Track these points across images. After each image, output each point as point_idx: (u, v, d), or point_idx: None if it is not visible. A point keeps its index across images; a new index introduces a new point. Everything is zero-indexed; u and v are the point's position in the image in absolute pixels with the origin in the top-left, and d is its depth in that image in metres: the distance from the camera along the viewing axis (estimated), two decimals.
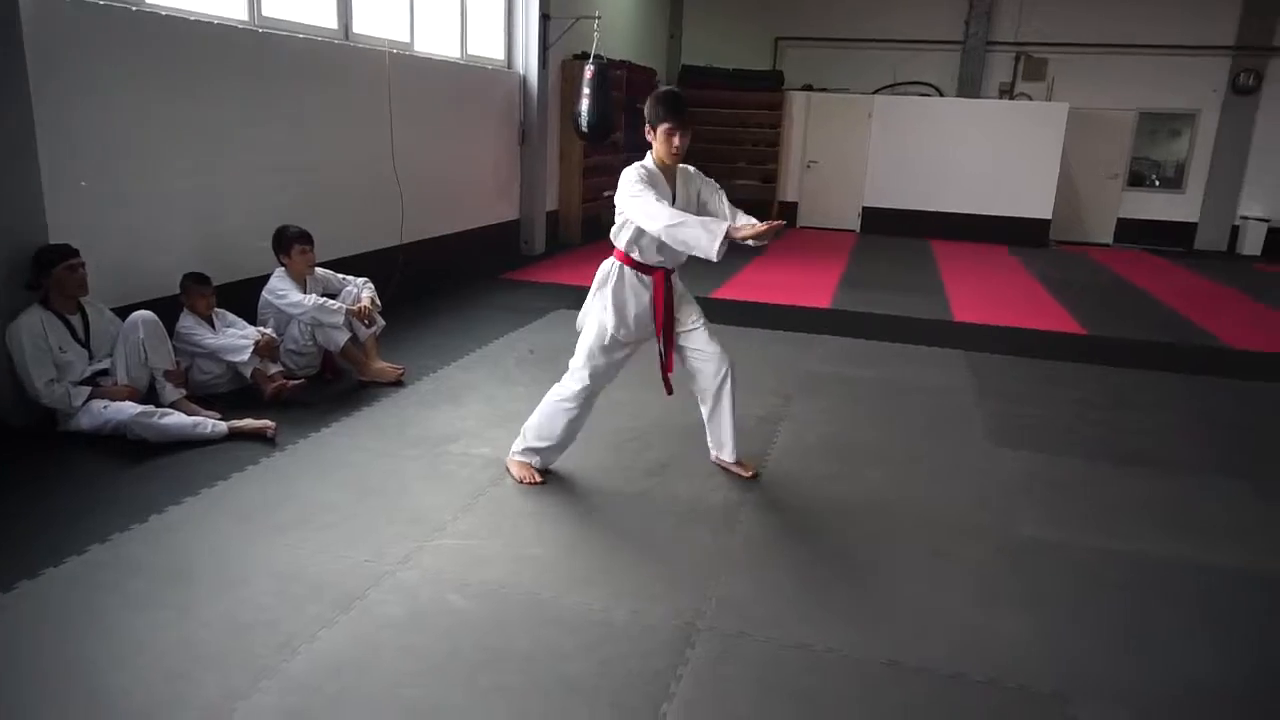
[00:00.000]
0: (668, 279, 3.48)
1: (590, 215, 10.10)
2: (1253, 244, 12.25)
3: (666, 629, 2.58)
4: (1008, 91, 12.63)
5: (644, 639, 2.53)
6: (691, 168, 3.52)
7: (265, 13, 5.24)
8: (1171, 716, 2.33)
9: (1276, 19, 11.77)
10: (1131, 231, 12.64)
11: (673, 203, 3.31)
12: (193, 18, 4.69)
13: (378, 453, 3.78)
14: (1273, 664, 2.58)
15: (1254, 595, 2.97)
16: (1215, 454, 4.29)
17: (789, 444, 4.13)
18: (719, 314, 6.72)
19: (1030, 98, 12.45)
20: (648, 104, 3.36)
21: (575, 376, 3.52)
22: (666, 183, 3.38)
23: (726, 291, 7.65)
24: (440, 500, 3.35)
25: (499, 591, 2.74)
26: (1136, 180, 12.88)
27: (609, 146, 10.05)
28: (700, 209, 3.43)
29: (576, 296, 6.95)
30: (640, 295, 3.45)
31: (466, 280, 7.33)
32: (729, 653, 2.49)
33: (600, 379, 3.53)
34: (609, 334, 3.45)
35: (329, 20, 5.91)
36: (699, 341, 3.60)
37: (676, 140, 3.30)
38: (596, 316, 3.49)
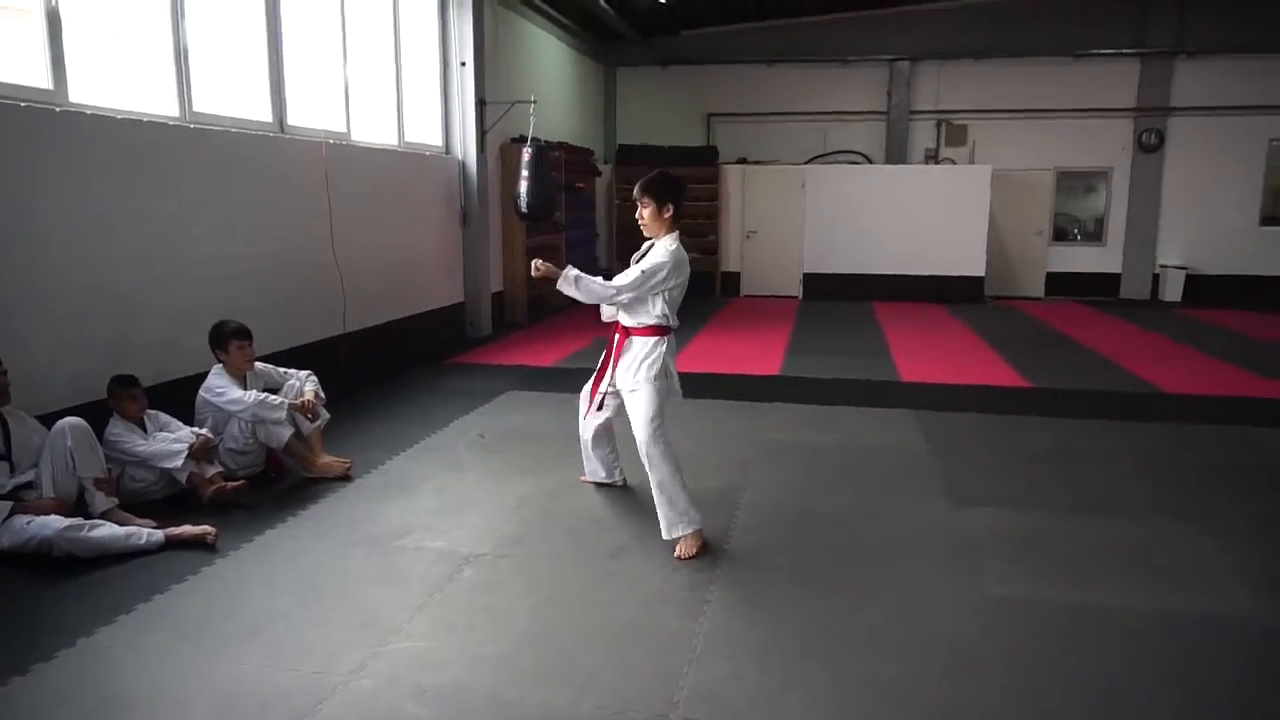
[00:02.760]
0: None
1: (535, 295, 10.10)
2: (1173, 291, 12.77)
3: None
4: (932, 157, 13.15)
5: None
6: (659, 248, 3.74)
7: (196, 108, 5.19)
8: None
9: (1171, 82, 12.54)
10: (1060, 284, 13.09)
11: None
12: (120, 116, 4.62)
13: (326, 553, 3.62)
14: (1246, 711, 2.55)
15: (1218, 641, 2.96)
16: (1163, 498, 4.35)
17: (750, 517, 4.07)
18: None
19: (954, 161, 12.97)
20: None
21: (656, 435, 3.67)
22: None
23: (678, 364, 7.63)
24: (393, 600, 3.20)
25: (458, 696, 2.60)
26: (1060, 235, 13.41)
27: (550, 227, 10.13)
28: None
29: (525, 377, 6.96)
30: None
31: (413, 366, 7.21)
32: None
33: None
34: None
35: (263, 113, 5.89)
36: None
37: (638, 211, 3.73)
38: (652, 391, 3.70)
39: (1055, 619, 3.10)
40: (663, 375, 3.71)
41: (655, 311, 3.68)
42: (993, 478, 4.64)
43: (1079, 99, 12.66)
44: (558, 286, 3.69)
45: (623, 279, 3.65)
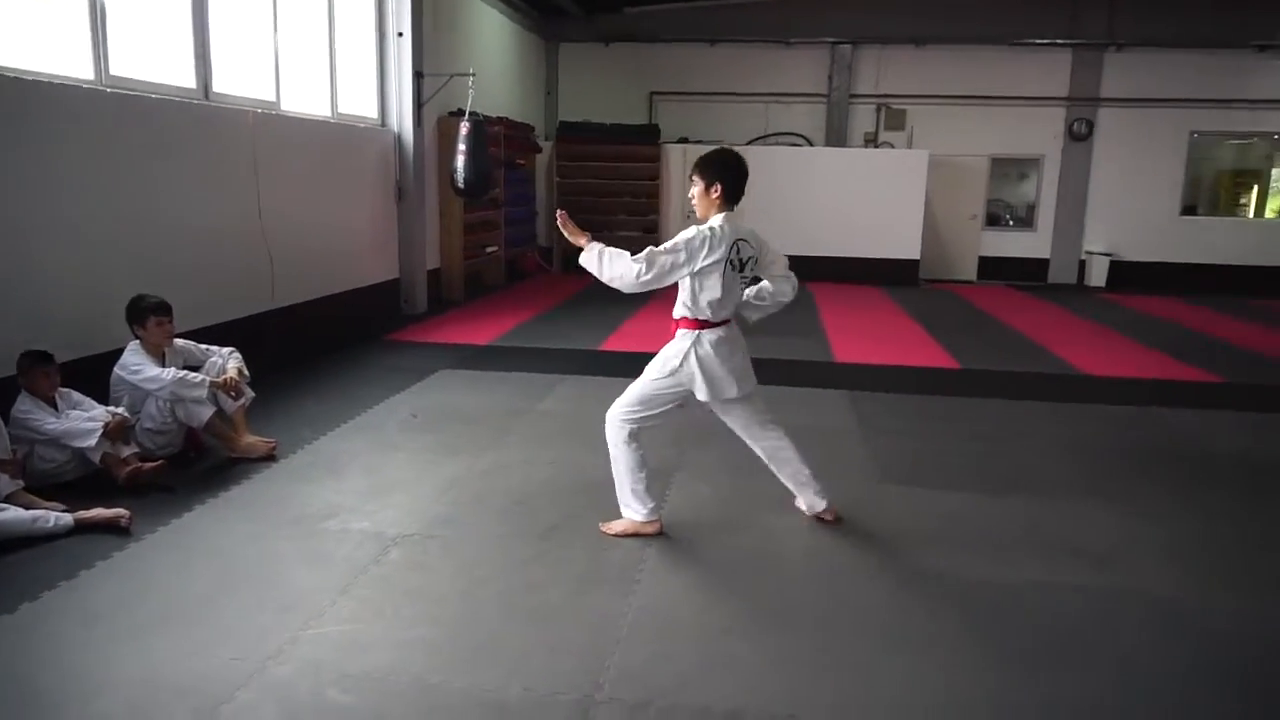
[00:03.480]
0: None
1: (473, 272, 9.96)
2: (1098, 276, 13.21)
3: (563, 705, 2.46)
4: (872, 140, 13.31)
5: (540, 717, 2.40)
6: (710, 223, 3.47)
7: (114, 72, 4.96)
8: None
9: (1101, 73, 12.89)
10: (993, 268, 13.41)
11: None
12: (29, 78, 4.39)
13: (248, 535, 3.52)
14: (1154, 682, 2.66)
15: (1130, 613, 3.08)
16: (1081, 477, 4.50)
17: (683, 497, 4.09)
18: (604, 366, 6.72)
19: (893, 146, 13.15)
20: None
21: (622, 426, 3.56)
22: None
23: (612, 343, 7.64)
24: (317, 583, 3.13)
25: (383, 681, 2.56)
26: (993, 220, 13.74)
27: (489, 203, 9.98)
28: None
29: (461, 355, 6.87)
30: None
31: (345, 344, 7.05)
32: None
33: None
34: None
35: (187, 80, 5.65)
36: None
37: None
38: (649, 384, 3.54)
39: (975, 595, 3.18)
40: (680, 374, 3.47)
41: (682, 298, 3.44)
42: (920, 457, 4.74)
43: (1014, 87, 12.94)
44: (580, 260, 3.43)
45: (641, 260, 3.32)
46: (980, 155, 13.19)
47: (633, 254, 3.34)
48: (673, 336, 3.53)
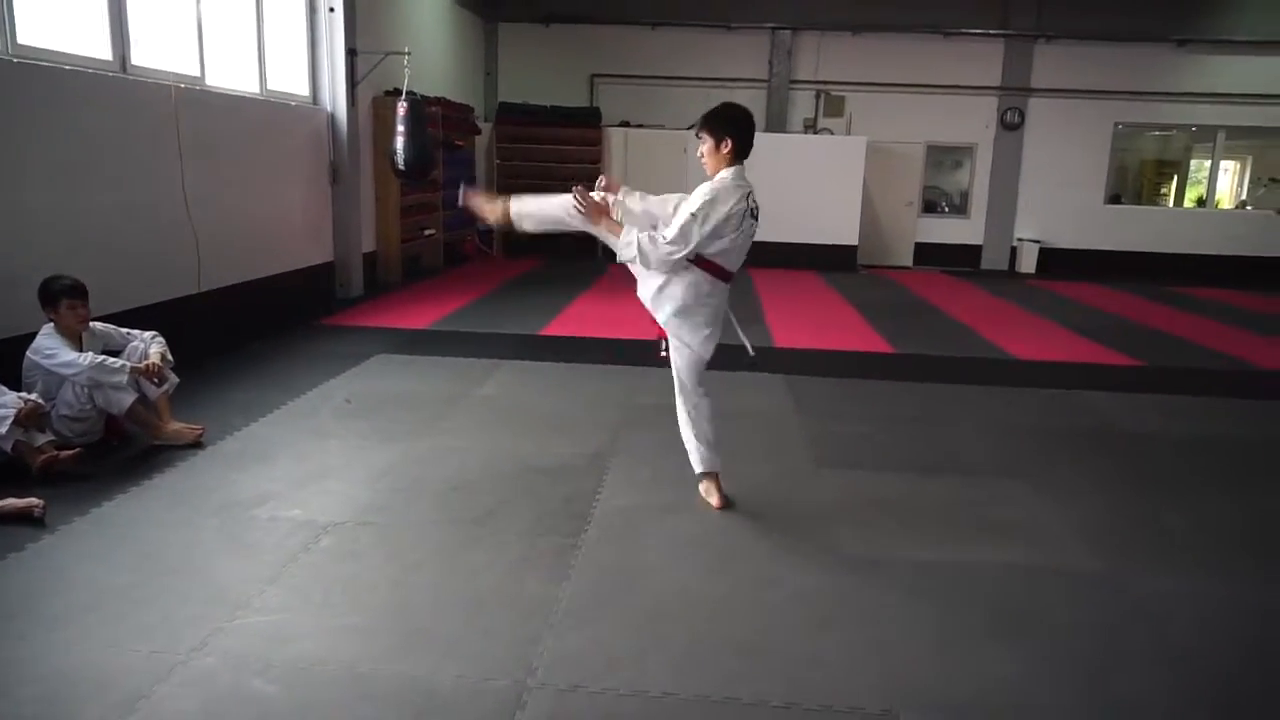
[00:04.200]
0: None
1: (411, 255, 9.79)
2: (1027, 263, 13.59)
3: (495, 691, 2.44)
4: (811, 126, 13.44)
5: (471, 705, 2.38)
6: (704, 187, 3.48)
7: (21, 40, 4.71)
8: (987, 717, 2.43)
9: (1032, 64, 13.22)
10: (928, 254, 13.70)
11: None
12: None
13: (171, 525, 3.41)
14: (1070, 656, 2.76)
15: (1045, 591, 3.18)
16: (1007, 459, 4.63)
17: (621, 480, 4.09)
18: (547, 351, 6.68)
19: (832, 132, 13.30)
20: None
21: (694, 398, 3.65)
22: None
23: (554, 328, 7.59)
24: (244, 573, 3.05)
25: (310, 670, 2.51)
26: (930, 207, 14.03)
27: (429, 184, 9.81)
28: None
29: (397, 340, 6.75)
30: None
31: (276, 329, 6.87)
32: (562, 709, 2.38)
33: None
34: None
35: (102, 51, 5.41)
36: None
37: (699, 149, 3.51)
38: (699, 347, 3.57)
39: (909, 575, 3.25)
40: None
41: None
42: (853, 440, 4.82)
43: (948, 76, 13.19)
44: (619, 258, 3.47)
45: (670, 232, 3.34)
46: (916, 143, 13.43)
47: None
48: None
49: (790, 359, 6.78)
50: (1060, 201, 13.59)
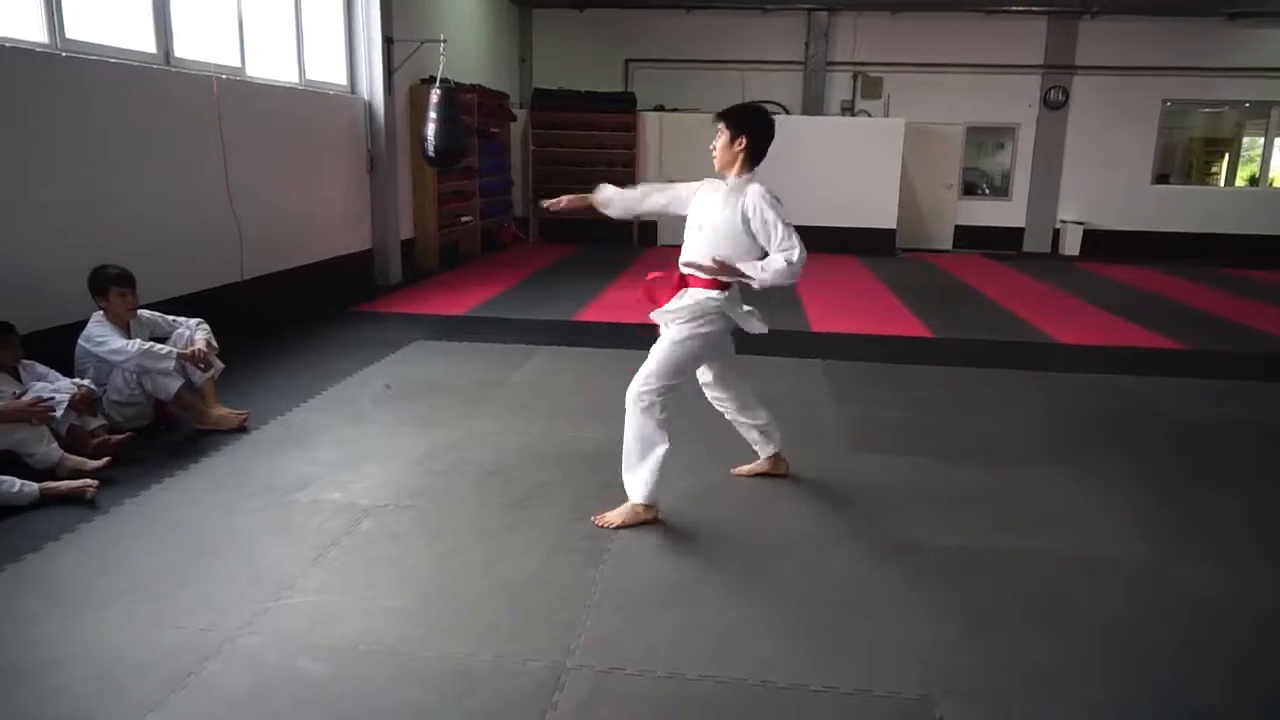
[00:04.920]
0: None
1: (448, 242, 9.86)
2: (1072, 245, 13.32)
3: (534, 672, 2.47)
4: (849, 109, 13.26)
5: (510, 685, 2.41)
6: (751, 193, 3.38)
7: (69, 35, 4.82)
8: (1024, 706, 2.41)
9: (1076, 41, 12.90)
10: (968, 237, 13.48)
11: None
12: None
13: (217, 507, 3.49)
14: (1113, 645, 2.72)
15: (1088, 580, 3.13)
16: (1047, 445, 4.55)
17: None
18: (580, 337, 6.70)
19: (869, 114, 13.12)
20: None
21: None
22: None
23: (588, 314, 7.61)
24: (287, 555, 3.12)
25: (353, 650, 2.56)
26: (969, 190, 13.78)
27: (463, 172, 9.87)
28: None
29: (435, 326, 6.81)
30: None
31: (317, 316, 6.97)
32: (600, 690, 2.41)
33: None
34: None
35: (146, 44, 5.51)
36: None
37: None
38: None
39: (947, 562, 3.22)
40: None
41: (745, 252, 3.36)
42: (890, 426, 4.78)
43: (989, 55, 12.92)
44: (754, 284, 3.36)
45: (791, 249, 3.28)
46: (956, 124, 13.19)
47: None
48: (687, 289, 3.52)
49: (827, 344, 6.72)
50: (1106, 182, 13.27)
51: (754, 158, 3.40)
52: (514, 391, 5.22)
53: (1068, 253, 13.31)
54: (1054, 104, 13.12)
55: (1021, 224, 13.64)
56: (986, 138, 13.66)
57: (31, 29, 4.64)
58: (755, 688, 2.44)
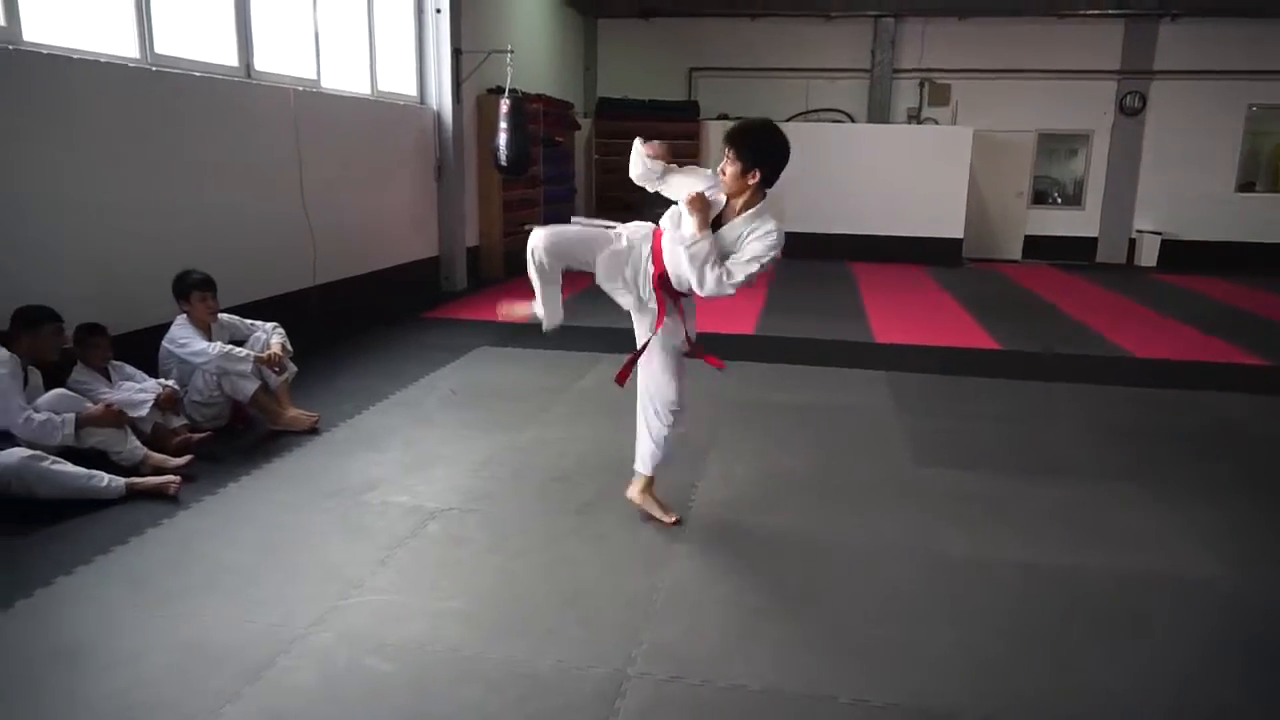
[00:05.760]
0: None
1: (513, 250, 9.99)
2: (1148, 256, 12.87)
3: (596, 679, 2.49)
4: (915, 116, 13.07)
5: (572, 690, 2.43)
6: (764, 224, 3.16)
7: (158, 50, 5.04)
8: None
9: (1155, 44, 12.49)
10: (1038, 247, 13.14)
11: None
12: (77, 56, 4.48)
13: (290, 506, 3.60)
14: (1183, 668, 2.62)
15: (1158, 598, 3.03)
16: (1119, 461, 4.41)
17: (718, 474, 4.09)
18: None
19: (936, 122, 12.90)
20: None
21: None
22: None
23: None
24: (356, 554, 3.20)
25: (419, 650, 2.61)
26: (1040, 198, 13.44)
27: (528, 180, 10.00)
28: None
29: (499, 333, 6.90)
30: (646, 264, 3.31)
31: (385, 321, 7.14)
32: (662, 699, 2.41)
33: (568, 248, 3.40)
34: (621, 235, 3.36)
35: (229, 58, 5.73)
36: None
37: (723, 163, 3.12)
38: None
39: (1006, 578, 3.15)
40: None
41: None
42: (956, 439, 4.69)
43: (1062, 60, 12.60)
44: (691, 250, 3.06)
45: (739, 277, 3.09)
46: (1027, 131, 12.88)
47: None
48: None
49: (891, 354, 6.63)
50: (1185, 190, 12.80)
51: (767, 186, 3.13)
52: (578, 398, 5.26)
53: (1143, 263, 12.87)
54: (1130, 110, 12.72)
55: (1094, 233, 13.25)
56: (1058, 145, 13.31)
57: (125, 45, 4.86)
58: (818, 702, 2.42)
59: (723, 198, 3.16)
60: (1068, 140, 13.22)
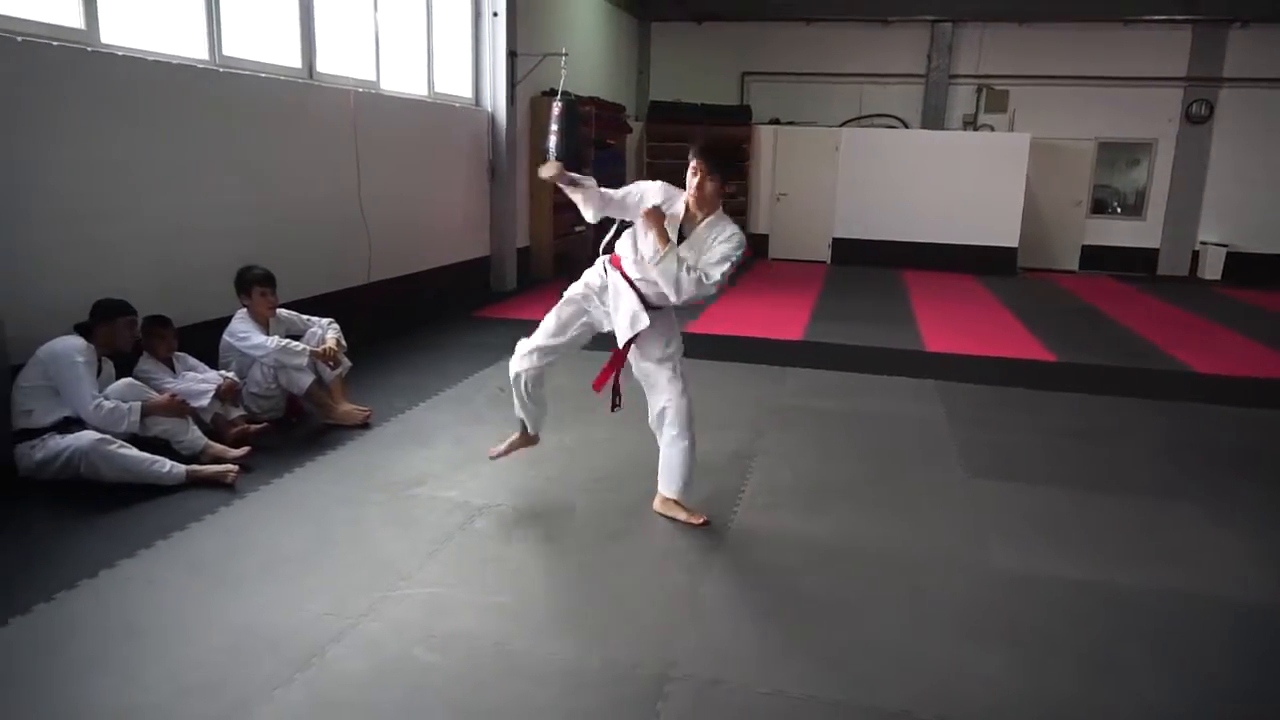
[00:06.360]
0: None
1: (562, 251, 10.08)
2: (1213, 268, 12.48)
3: (639, 679, 2.50)
4: (971, 123, 12.85)
5: (615, 690, 2.45)
6: (724, 227, 3.35)
7: (226, 52, 5.19)
8: None
9: (1224, 51, 12.11)
10: (1096, 258, 12.83)
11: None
12: (151, 58, 4.63)
13: (341, 498, 3.68)
14: (1237, 691, 2.54)
15: (1214, 620, 2.94)
16: (1179, 479, 4.29)
17: (763, 480, 4.08)
18: (690, 348, 6.68)
19: (993, 129, 12.68)
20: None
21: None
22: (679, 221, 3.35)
23: (698, 325, 7.62)
24: (405, 547, 3.25)
25: (466, 643, 2.65)
26: (1099, 208, 13.11)
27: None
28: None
29: None
30: (617, 298, 3.45)
31: (436, 319, 7.25)
32: (703, 702, 2.41)
33: (542, 339, 3.61)
34: (572, 292, 3.58)
35: (292, 59, 5.87)
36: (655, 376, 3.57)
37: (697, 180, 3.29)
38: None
39: (1057, 593, 3.09)
40: None
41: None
42: (1009, 450, 4.60)
43: (1127, 67, 12.28)
44: (650, 261, 3.26)
45: (717, 274, 3.24)
46: (1087, 139, 12.59)
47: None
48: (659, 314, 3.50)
49: (942, 363, 6.53)
50: (1253, 201, 12.39)
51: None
52: (625, 399, 5.27)
53: (1208, 276, 12.49)
54: (1197, 118, 12.36)
55: (1156, 244, 12.89)
56: (1119, 153, 12.97)
57: (195, 48, 5.01)
58: (862, 712, 2.40)
59: (681, 209, 3.35)
60: (1130, 149, 12.89)
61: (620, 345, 3.51)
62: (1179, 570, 3.31)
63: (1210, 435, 5.04)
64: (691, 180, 3.29)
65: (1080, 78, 12.40)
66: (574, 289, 3.63)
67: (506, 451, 3.86)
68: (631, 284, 3.44)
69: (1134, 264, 12.81)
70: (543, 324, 3.67)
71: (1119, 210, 13.19)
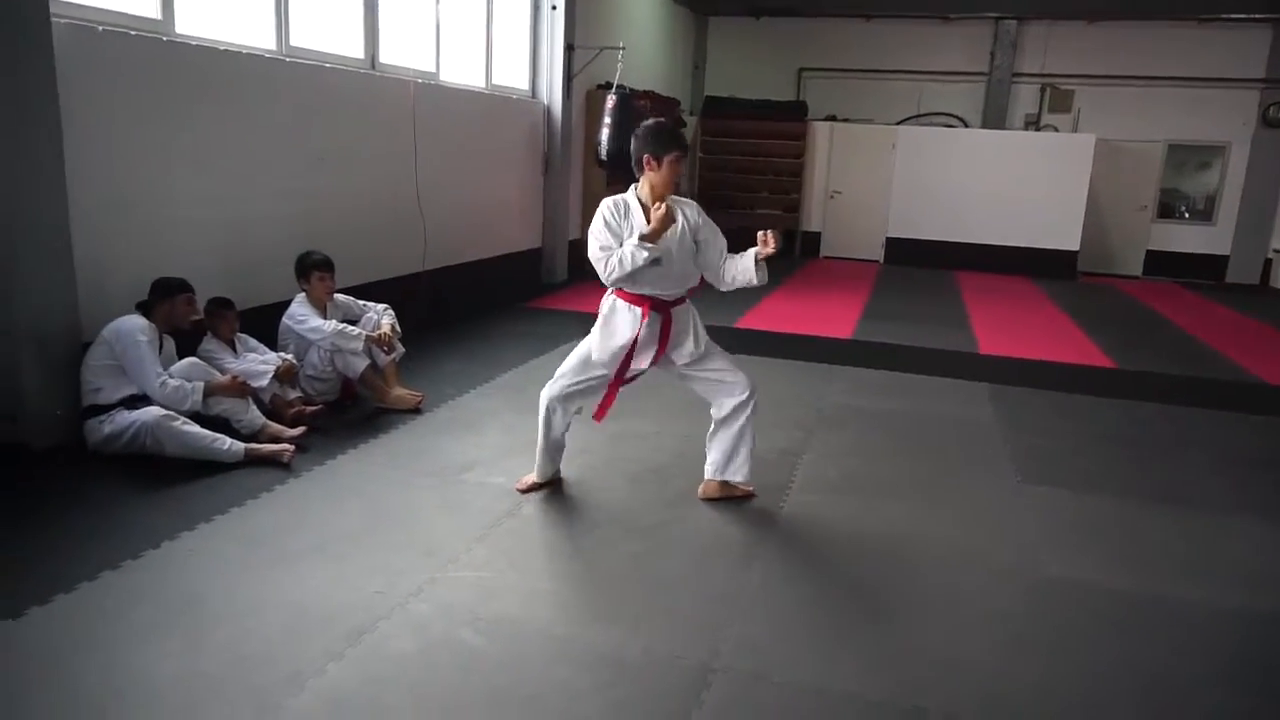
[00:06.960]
0: (661, 310, 3.55)
1: None
2: None
3: (681, 669, 2.51)
4: (1033, 123, 12.57)
5: (658, 679, 2.46)
6: (691, 203, 3.60)
7: (293, 42, 5.31)
8: None
9: None
10: (1161, 264, 12.46)
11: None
12: (222, 48, 4.76)
13: (393, 481, 3.75)
14: None
15: (1273, 641, 2.85)
16: (1241, 492, 4.16)
17: (810, 478, 4.05)
18: (740, 344, 6.69)
19: (1056, 129, 12.38)
20: (646, 137, 3.49)
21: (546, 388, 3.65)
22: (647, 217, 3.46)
23: (748, 321, 7.60)
24: (454, 530, 3.31)
25: (512, 627, 2.69)
26: (1166, 212, 12.72)
27: (632, 176, 10.07)
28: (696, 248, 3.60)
29: None
30: (625, 329, 3.54)
31: (488, 308, 7.34)
32: (745, 696, 2.42)
33: (563, 396, 3.63)
34: (589, 355, 3.63)
35: (356, 50, 5.98)
36: (713, 368, 3.62)
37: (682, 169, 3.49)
38: (587, 339, 3.65)
39: (1109, 605, 3.02)
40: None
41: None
42: (1063, 457, 4.51)
43: (1200, 67, 11.88)
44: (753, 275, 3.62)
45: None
46: (1155, 141, 12.22)
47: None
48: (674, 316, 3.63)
49: (996, 367, 6.41)
50: None
51: None
52: (672, 394, 5.25)
53: None
54: (1274, 121, 11.90)
55: (1226, 251, 12.46)
56: (1189, 156, 12.56)
57: (264, 38, 5.14)
58: (905, 713, 2.38)
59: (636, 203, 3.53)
60: (1200, 152, 12.47)
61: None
62: (1240, 585, 3.21)
63: (1276, 448, 4.87)
64: (677, 169, 3.49)
65: (1150, 78, 12.03)
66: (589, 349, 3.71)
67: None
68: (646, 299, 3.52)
69: (1201, 271, 12.41)
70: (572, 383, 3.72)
71: (1186, 215, 12.79)
